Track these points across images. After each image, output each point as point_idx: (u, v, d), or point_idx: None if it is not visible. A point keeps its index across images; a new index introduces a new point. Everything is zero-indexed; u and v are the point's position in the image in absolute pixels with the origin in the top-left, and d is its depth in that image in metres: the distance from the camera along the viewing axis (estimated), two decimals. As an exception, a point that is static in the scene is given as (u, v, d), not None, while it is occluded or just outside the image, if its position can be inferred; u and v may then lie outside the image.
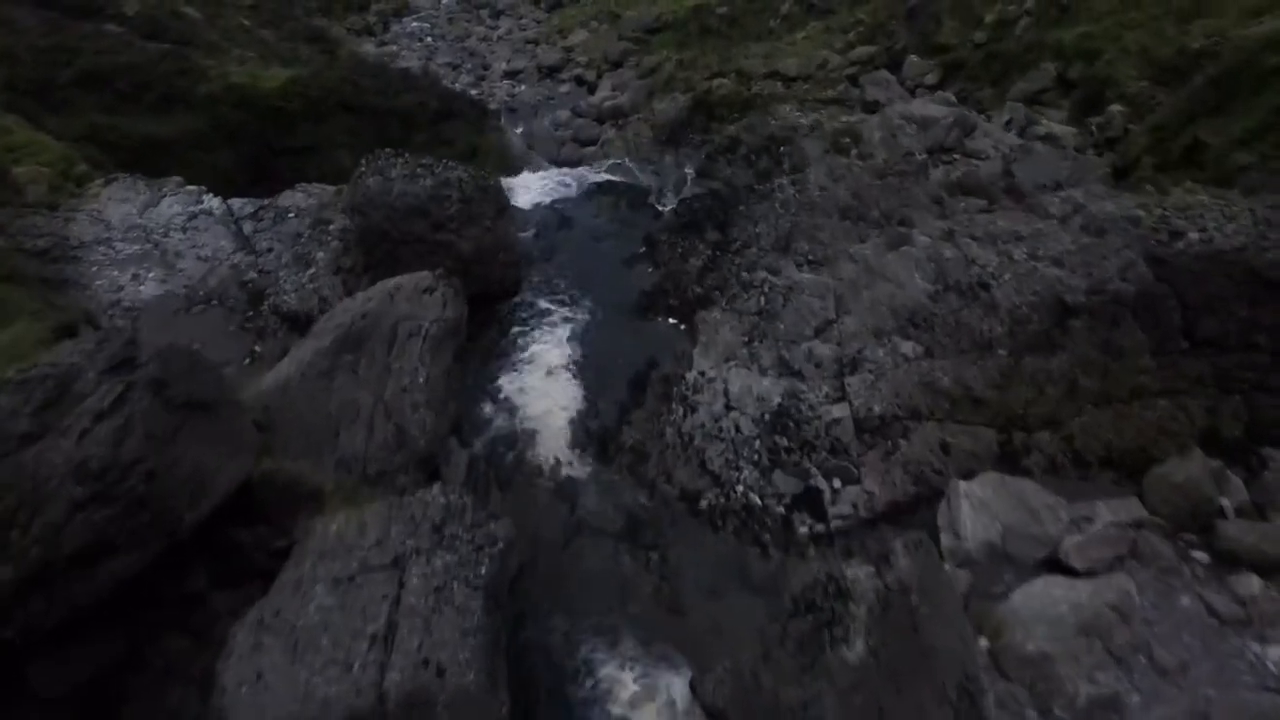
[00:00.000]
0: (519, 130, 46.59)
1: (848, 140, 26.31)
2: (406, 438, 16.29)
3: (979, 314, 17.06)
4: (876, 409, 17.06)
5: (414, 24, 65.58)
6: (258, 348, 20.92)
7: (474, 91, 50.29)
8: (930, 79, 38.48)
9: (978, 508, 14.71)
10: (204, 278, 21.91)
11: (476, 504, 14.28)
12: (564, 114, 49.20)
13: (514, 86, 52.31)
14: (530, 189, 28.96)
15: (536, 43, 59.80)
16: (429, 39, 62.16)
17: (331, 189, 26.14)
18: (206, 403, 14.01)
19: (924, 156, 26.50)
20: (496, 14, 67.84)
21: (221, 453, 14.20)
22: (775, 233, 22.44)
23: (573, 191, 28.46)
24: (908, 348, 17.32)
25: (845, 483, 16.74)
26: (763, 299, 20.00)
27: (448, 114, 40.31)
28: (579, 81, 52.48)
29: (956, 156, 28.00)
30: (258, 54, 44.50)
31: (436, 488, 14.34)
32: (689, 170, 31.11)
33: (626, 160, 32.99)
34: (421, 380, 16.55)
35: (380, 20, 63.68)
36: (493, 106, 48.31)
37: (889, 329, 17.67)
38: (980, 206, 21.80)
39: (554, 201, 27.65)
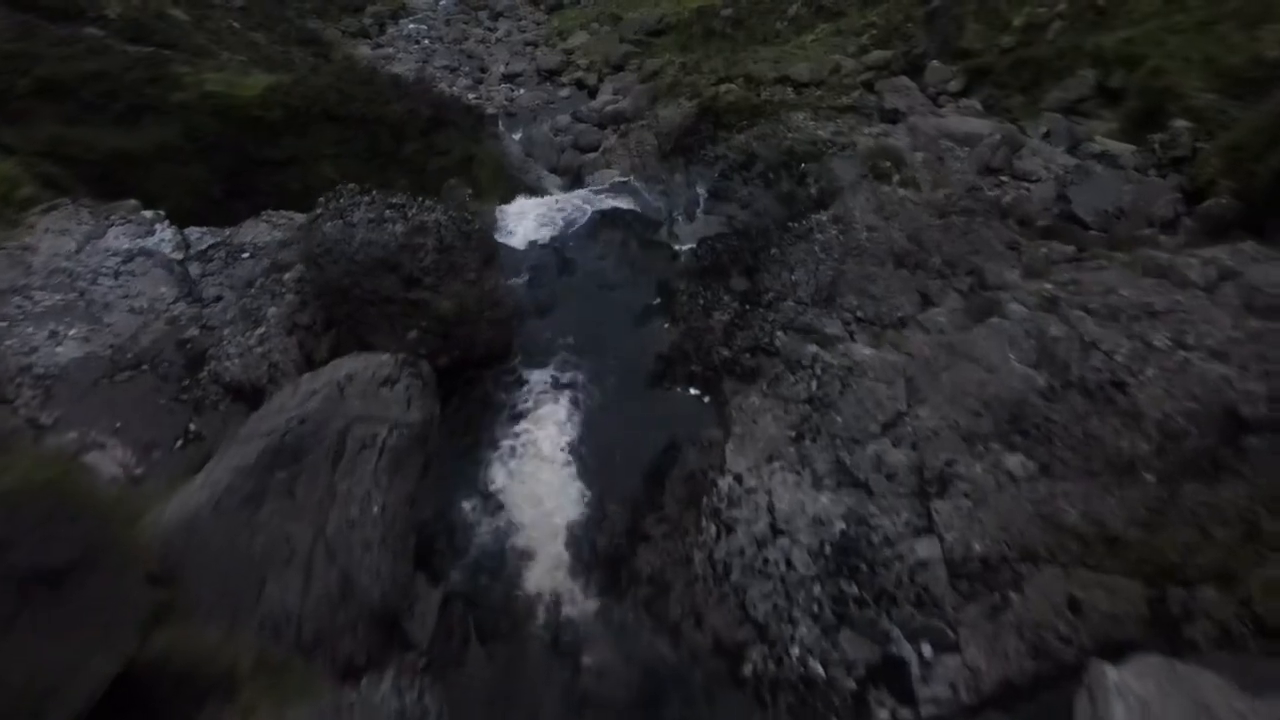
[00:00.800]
0: (517, 136, 42.81)
1: (887, 164, 20.38)
2: (355, 587, 11.47)
3: (1114, 423, 11.76)
4: (977, 547, 11.95)
5: (411, 26, 59.72)
6: (194, 425, 16.08)
7: (472, 95, 44.83)
8: (954, 86, 33.24)
9: (1137, 712, 8.77)
10: (135, 335, 16.88)
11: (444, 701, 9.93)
12: (564, 119, 44.88)
13: (513, 90, 46.91)
14: (525, 218, 23.38)
15: (536, 45, 54.28)
16: (426, 41, 56.46)
17: (300, 219, 19.97)
18: (66, 568, 8.89)
19: (975, 178, 20.55)
20: (495, 15, 61.96)
21: (87, 639, 9.13)
22: (815, 282, 16.89)
23: (573, 221, 22.86)
24: (1014, 462, 11.93)
25: (939, 650, 11.65)
26: (813, 382, 14.27)
27: (441, 122, 35.60)
28: (579, 85, 47.33)
29: (1004, 179, 22.28)
30: (247, 57, 39.68)
31: (388, 681, 10.17)
32: (701, 190, 25.41)
33: (632, 178, 27.52)
34: (376, 510, 11.49)
35: (376, 22, 57.84)
36: (491, 111, 43.93)
37: (984, 432, 12.25)
38: (1068, 254, 16.07)
39: (552, 237, 22.11)
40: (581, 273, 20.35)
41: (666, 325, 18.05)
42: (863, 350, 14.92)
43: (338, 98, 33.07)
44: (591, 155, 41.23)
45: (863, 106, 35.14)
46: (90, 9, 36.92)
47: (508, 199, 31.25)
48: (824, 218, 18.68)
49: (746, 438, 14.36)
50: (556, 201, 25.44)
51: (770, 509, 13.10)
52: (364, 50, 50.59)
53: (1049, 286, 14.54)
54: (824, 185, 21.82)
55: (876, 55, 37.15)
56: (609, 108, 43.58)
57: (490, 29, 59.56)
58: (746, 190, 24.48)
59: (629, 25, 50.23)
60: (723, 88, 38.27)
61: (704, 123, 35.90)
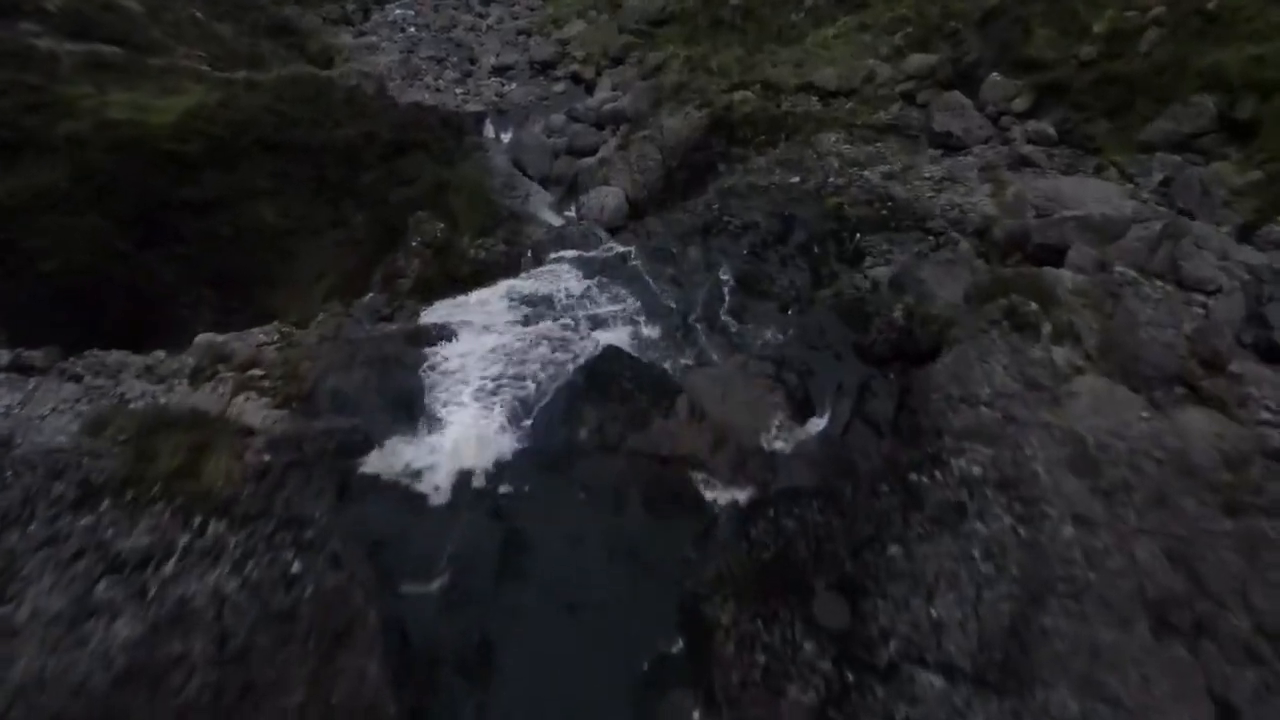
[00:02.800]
0: (507, 136, 35.52)
1: (1030, 307, 10.07)
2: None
3: None
4: None
5: (397, 11, 49.00)
6: None
7: (459, 90, 36.52)
8: (1019, 104, 25.51)
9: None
10: None
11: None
12: (558, 118, 36.33)
13: (503, 85, 37.90)
14: (467, 376, 12.39)
15: (529, 34, 44.27)
16: (412, 29, 46.06)
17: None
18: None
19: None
20: (487, 1, 49.67)
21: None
22: (978, 629, 6.83)
23: (538, 385, 12.70)
24: None
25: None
26: None
27: (406, 145, 27.48)
28: (575, 79, 39.56)
29: (1168, 287, 11.54)
30: (209, 53, 31.67)
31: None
32: (726, 276, 16.83)
33: (633, 250, 19.58)
34: None
35: (359, 7, 46.76)
36: (479, 109, 36.88)
37: None
38: None
39: (495, 465, 11.29)
40: (541, 571, 10.15)
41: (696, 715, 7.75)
42: None
43: (275, 121, 24.81)
44: (588, 162, 32.97)
45: (906, 125, 26.69)
46: (25, 2, 27.66)
47: (486, 230, 26.01)
48: (975, 471, 8.59)
49: None
50: (524, 324, 16.82)
51: None
52: (345, 39, 40.50)
53: None
54: (917, 308, 14.63)
55: (917, 61, 27.20)
56: (607, 106, 35.42)
57: (481, 15, 48.99)
58: (787, 279, 15.92)
59: (629, 13, 40.14)
60: (737, 95, 30.12)
61: (715, 137, 29.36)
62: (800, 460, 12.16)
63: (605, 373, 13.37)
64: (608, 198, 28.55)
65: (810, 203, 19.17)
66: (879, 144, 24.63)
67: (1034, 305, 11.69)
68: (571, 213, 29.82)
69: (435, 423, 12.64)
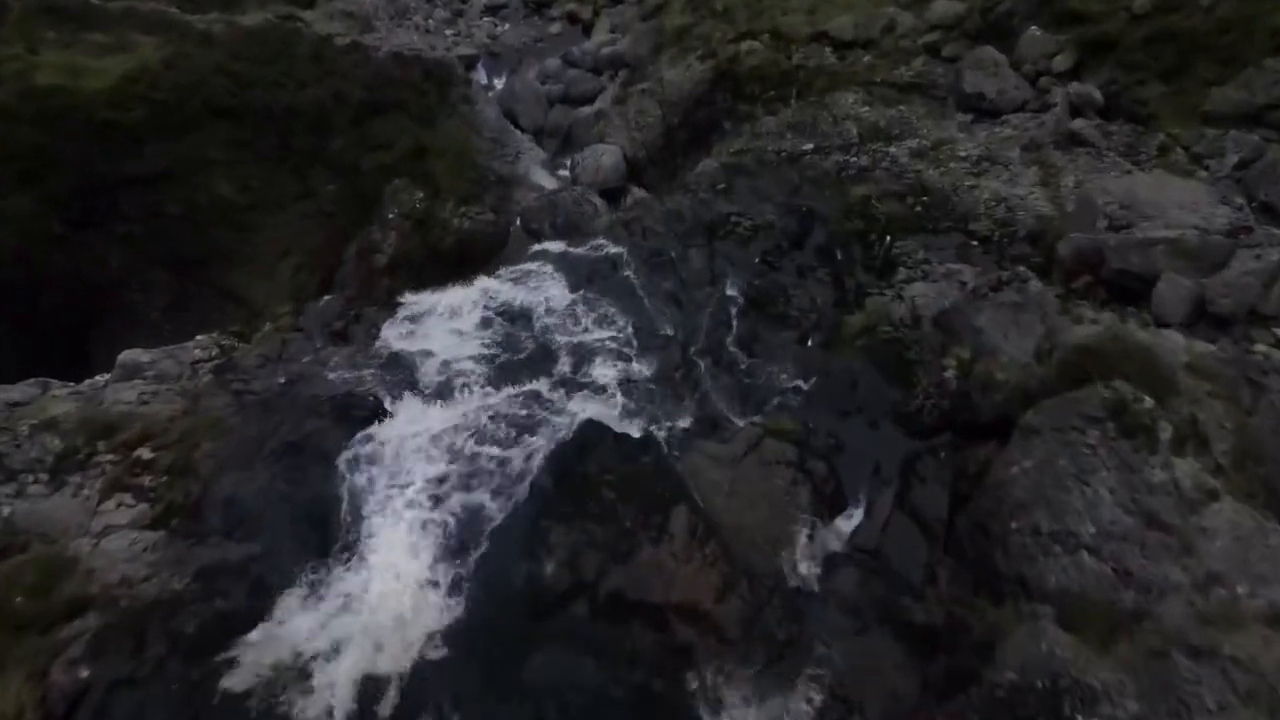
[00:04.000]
0: (499, 83, 31.77)
1: (1142, 405, 6.21)
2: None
3: None
4: None
5: (384, -55, 42.68)
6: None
7: (449, 32, 31.25)
8: (1060, 63, 21.30)
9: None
10: None
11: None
12: (554, 63, 32.42)
13: (496, 26, 34.46)
14: (410, 479, 8.18)
15: (524, -32, 37.87)
16: (400, -36, 39.87)
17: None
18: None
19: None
20: None
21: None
22: None
23: (507, 476, 7.91)
24: None
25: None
26: None
27: (380, 105, 23.19)
28: (572, 20, 36.06)
29: None
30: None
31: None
32: (734, 292, 12.19)
33: (625, 252, 15.67)
34: None
35: None
36: (469, 51, 32.68)
37: None
38: None
39: (414, 674, 7.01)
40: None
41: None
42: None
43: (228, 84, 20.85)
44: (585, 112, 29.54)
45: (930, 84, 22.58)
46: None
47: (471, 197, 22.62)
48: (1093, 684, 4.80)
49: None
50: (489, 376, 12.99)
51: None
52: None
53: None
54: (974, 366, 11.40)
55: (942, 8, 23.40)
56: (605, 50, 31.36)
57: (475, -54, 42.63)
58: (806, 295, 13.45)
59: (629, -57, 34.40)
60: (744, 46, 25.74)
61: (720, 92, 25.48)
62: (834, 604, 8.49)
63: (582, 466, 9.50)
64: (604, 157, 25.21)
65: (830, 191, 15.13)
66: (901, 106, 20.83)
67: (1148, 400, 7.67)
68: (565, 172, 25.49)
69: (351, 562, 8.82)
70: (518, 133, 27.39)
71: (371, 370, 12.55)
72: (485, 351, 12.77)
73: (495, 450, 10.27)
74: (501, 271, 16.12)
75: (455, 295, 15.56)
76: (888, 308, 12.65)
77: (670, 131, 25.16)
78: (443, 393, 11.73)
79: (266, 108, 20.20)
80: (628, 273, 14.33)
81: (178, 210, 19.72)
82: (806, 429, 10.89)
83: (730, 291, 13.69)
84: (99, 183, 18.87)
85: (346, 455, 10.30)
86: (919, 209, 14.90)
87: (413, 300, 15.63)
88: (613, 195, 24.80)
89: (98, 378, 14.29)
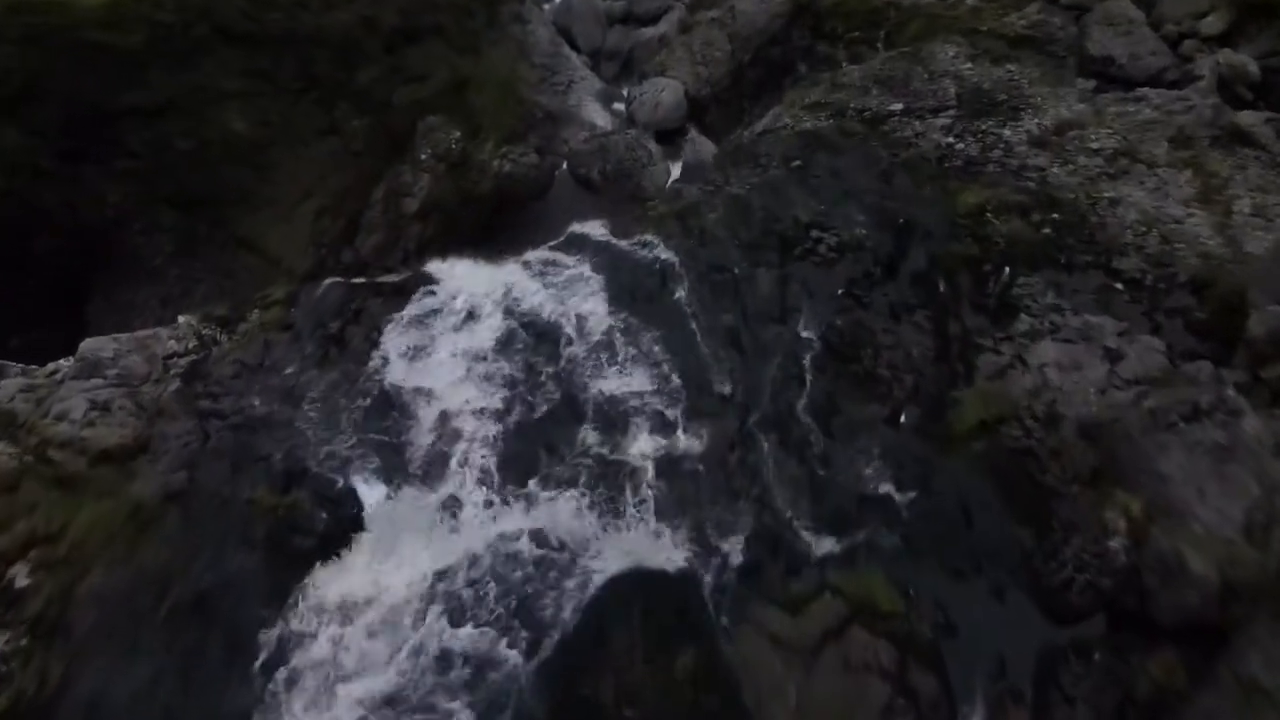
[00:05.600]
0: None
1: None
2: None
3: None
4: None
5: None
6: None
7: None
8: (1211, 25, 16.99)
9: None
10: None
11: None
12: None
13: None
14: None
15: None
16: None
17: None
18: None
19: None
20: None
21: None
22: None
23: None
24: None
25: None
26: None
27: (415, 32, 19.26)
28: None
29: None
30: None
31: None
32: (809, 334, 8.23)
33: (678, 261, 11.74)
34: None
35: None
36: None
37: None
38: None
39: None
40: None
41: None
42: None
43: (243, 6, 16.77)
44: (648, 34, 25.69)
45: (1048, 38, 18.03)
46: None
47: (514, 136, 19.39)
48: None
49: None
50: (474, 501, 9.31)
51: None
52: None
53: None
54: (1152, 529, 7.54)
55: (1065, -56, 17.48)
56: None
57: None
58: (900, 349, 10.46)
59: None
60: None
61: (798, 28, 21.43)
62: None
63: (594, 676, 5.65)
64: (664, 93, 21.53)
65: (931, 189, 11.36)
66: (1010, 65, 16.99)
67: None
68: (621, 106, 22.36)
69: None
70: (573, 56, 23.36)
71: (355, 414, 8.90)
72: (496, 398, 9.05)
73: (470, 649, 6.54)
74: (533, 254, 12.74)
75: (479, 279, 12.61)
76: (1009, 386, 8.85)
77: (739, 69, 21.05)
78: (427, 480, 8.09)
79: (287, 33, 16.81)
80: (679, 291, 10.57)
81: (187, 145, 16.34)
82: (907, 604, 7.14)
83: (805, 332, 9.87)
84: (95, 113, 15.48)
85: (267, 640, 6.67)
86: (1047, 230, 10.83)
87: (433, 275, 12.84)
88: (670, 137, 21.28)
89: (63, 362, 11.45)
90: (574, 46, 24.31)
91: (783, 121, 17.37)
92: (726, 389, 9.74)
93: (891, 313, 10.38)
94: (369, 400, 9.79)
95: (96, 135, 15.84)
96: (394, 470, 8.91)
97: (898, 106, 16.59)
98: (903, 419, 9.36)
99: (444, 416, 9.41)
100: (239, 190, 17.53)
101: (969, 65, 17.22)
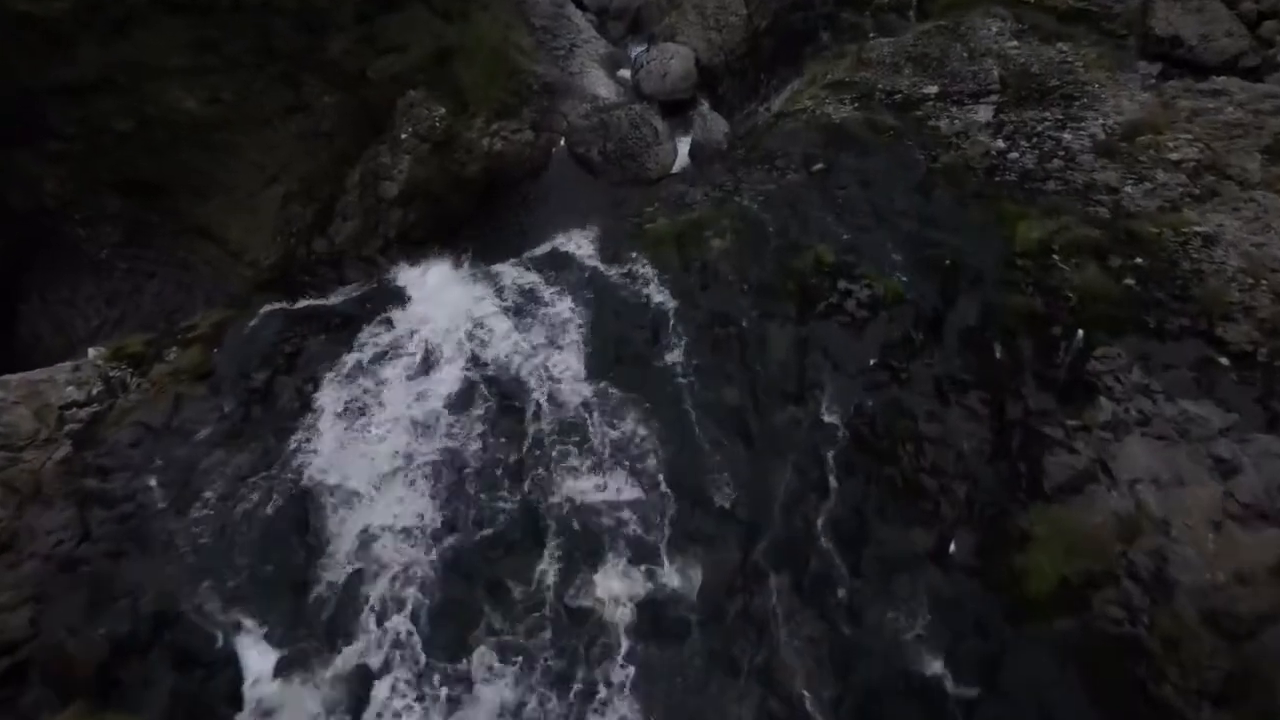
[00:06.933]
0: None
1: None
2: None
3: None
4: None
5: None
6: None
7: None
8: None
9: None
10: None
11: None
12: None
13: None
14: None
15: None
16: None
17: None
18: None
19: None
20: None
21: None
22: None
23: None
24: None
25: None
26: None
27: None
28: None
29: None
30: None
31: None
32: (831, 418, 6.27)
33: (672, 313, 8.77)
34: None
35: None
36: None
37: None
38: None
39: None
40: None
41: None
42: None
43: None
44: None
45: (1104, 12, 15.00)
46: None
47: (506, 111, 16.58)
48: None
49: None
50: None
51: None
52: None
53: None
54: None
55: (1126, -98, 14.11)
56: None
57: None
58: (948, 448, 5.37)
59: None
60: None
61: None
62: None
63: None
64: (672, 60, 18.97)
65: (980, 214, 8.86)
66: (1062, 45, 14.14)
67: None
68: (627, 73, 19.60)
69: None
70: (576, 15, 20.62)
71: (257, 526, 6.26)
72: (434, 508, 6.16)
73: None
74: (512, 271, 9.92)
75: (445, 304, 10.23)
76: (1092, 512, 6.13)
77: (755, 36, 18.29)
78: (332, 641, 5.78)
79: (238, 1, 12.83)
80: (673, 351, 7.89)
81: (126, 126, 13.24)
82: None
83: (828, 415, 7.17)
84: (18, 91, 12.33)
85: None
86: (1129, 281, 7.97)
87: (400, 289, 10.60)
88: (679, 109, 18.72)
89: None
90: (579, 4, 20.86)
91: (802, 103, 14.50)
92: (727, 499, 7.01)
93: (936, 390, 7.58)
94: (278, 505, 7.08)
95: (22, 116, 12.96)
96: (291, 624, 6.22)
97: (933, 89, 13.70)
98: (953, 550, 6.67)
99: (365, 539, 6.69)
100: (193, 175, 14.87)
101: (1014, 43, 14.23)
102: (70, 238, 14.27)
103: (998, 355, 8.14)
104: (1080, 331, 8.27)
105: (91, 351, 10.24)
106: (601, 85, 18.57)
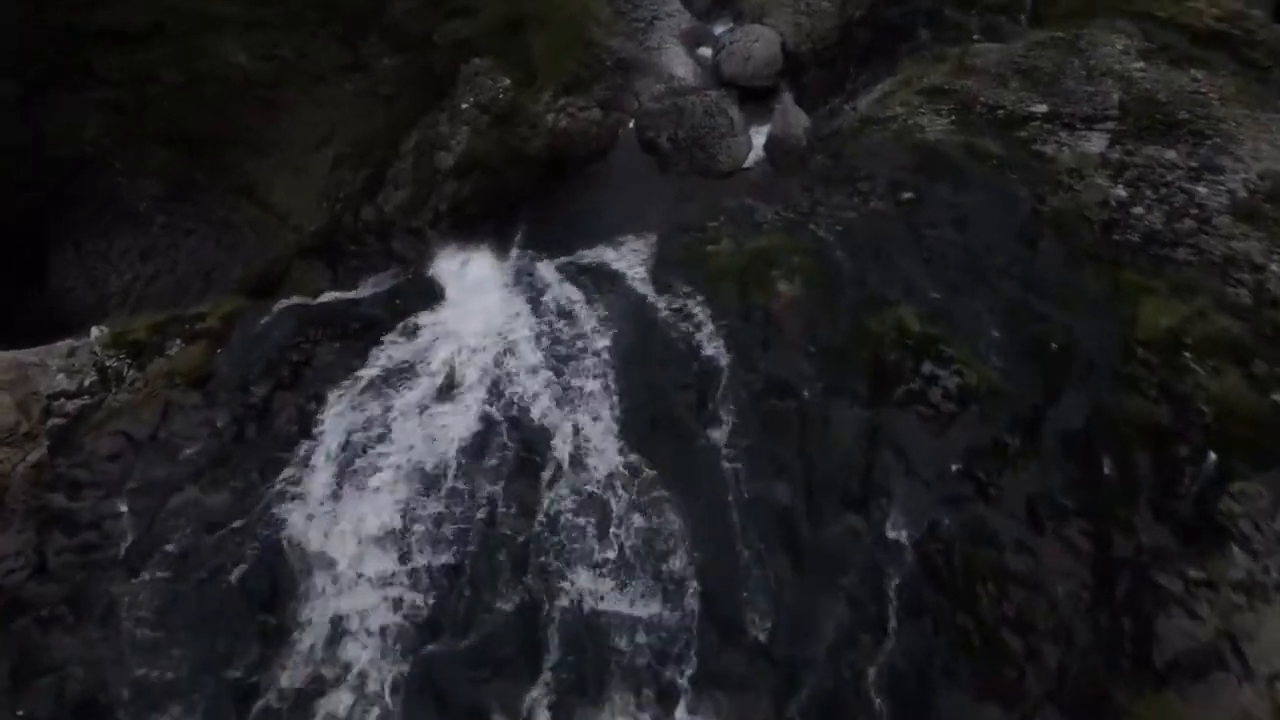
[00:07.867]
0: None
1: None
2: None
3: None
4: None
5: None
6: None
7: None
8: None
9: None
10: None
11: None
12: None
13: None
14: None
15: None
16: None
17: None
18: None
19: None
20: None
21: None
22: None
23: None
24: None
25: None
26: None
27: None
28: None
29: None
30: None
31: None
32: (896, 533, 3.62)
33: (725, 377, 7.48)
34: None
35: None
36: None
37: None
38: None
39: None
40: None
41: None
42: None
43: None
44: None
45: (1246, 37, 12.52)
46: None
47: (576, 86, 14.86)
48: None
49: None
50: None
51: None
52: None
53: None
54: None
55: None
56: None
57: None
58: (1040, 590, 4.54)
59: None
60: None
61: None
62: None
63: None
64: (756, 44, 16.96)
65: (1099, 288, 6.67)
66: (1195, 71, 12.13)
67: None
68: (707, 51, 17.55)
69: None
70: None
71: (218, 596, 4.85)
72: (421, 598, 4.79)
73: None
74: (553, 279, 9.46)
75: (478, 312, 8.87)
76: (1221, 712, 4.01)
77: (848, 26, 16.69)
78: None
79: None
80: (720, 425, 6.07)
81: (177, 78, 11.93)
82: None
83: (894, 532, 5.66)
84: (60, 36, 11.19)
85: None
86: (1278, 397, 5.71)
87: (436, 281, 9.54)
88: (759, 96, 16.67)
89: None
90: (668, -26, 18.97)
91: (893, 109, 12.67)
92: (764, 630, 5.47)
93: (1029, 512, 5.90)
94: (243, 571, 5.72)
95: (61, 61, 11.75)
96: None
97: (1041, 108, 11.85)
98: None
99: (335, 634, 5.27)
100: (242, 132, 13.54)
101: (1140, 64, 12.18)
102: (110, 188, 13.07)
103: (1107, 473, 6.38)
104: (1213, 455, 6.42)
105: (94, 331, 9.06)
106: (679, 64, 16.74)
